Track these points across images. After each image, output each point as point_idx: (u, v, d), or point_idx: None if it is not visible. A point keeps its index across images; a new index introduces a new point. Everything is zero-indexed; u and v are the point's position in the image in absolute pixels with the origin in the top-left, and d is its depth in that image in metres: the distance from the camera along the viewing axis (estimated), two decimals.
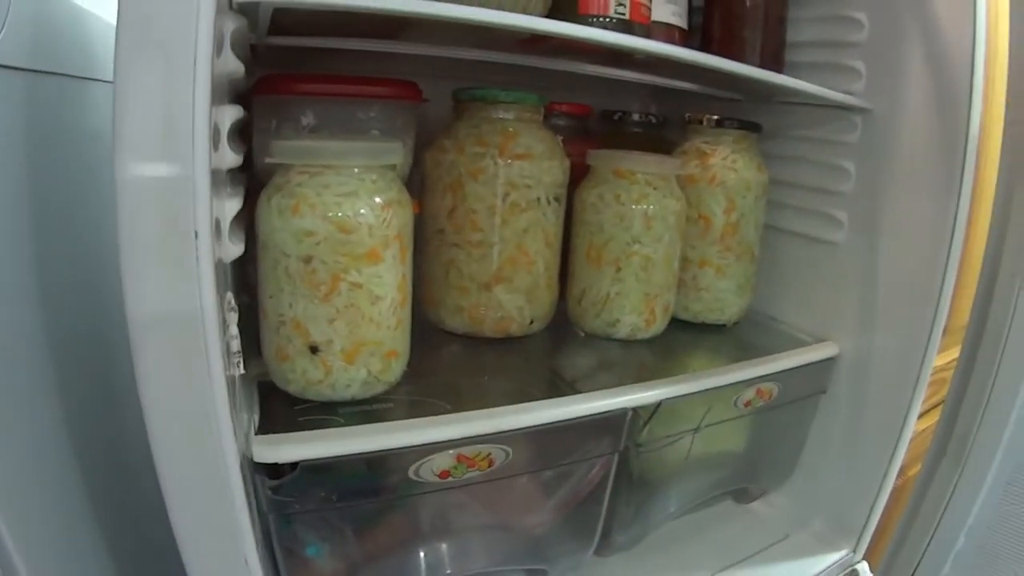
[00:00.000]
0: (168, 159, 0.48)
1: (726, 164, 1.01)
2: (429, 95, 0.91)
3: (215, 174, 0.51)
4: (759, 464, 1.12)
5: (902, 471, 1.08)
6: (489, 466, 0.73)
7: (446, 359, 0.90)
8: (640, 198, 0.91)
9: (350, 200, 0.66)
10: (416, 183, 0.92)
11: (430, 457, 0.69)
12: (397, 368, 0.75)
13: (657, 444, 0.90)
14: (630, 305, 0.95)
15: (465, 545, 0.82)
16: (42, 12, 0.69)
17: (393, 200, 0.69)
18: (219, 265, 0.54)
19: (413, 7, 0.61)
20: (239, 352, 0.58)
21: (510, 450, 0.73)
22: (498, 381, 0.85)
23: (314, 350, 0.69)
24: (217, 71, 0.51)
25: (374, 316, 0.69)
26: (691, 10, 0.96)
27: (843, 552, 1.09)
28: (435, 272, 0.93)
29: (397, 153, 0.70)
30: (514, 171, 0.87)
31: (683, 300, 1.06)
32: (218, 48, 0.52)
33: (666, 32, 0.90)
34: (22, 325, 0.68)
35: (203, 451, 0.54)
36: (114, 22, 0.46)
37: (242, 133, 0.73)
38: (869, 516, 1.07)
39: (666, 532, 1.04)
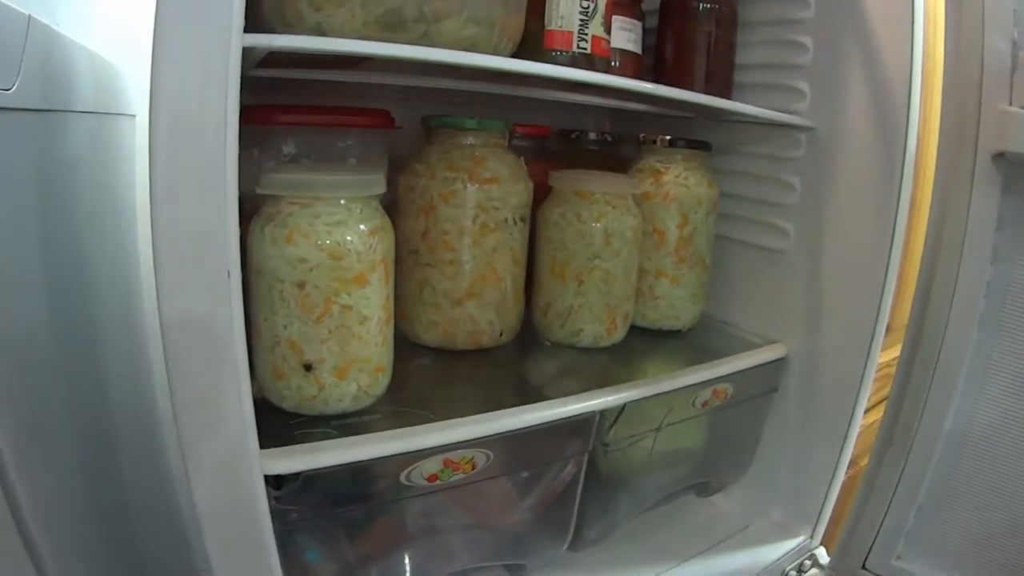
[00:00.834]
0: (203, 208, 0.54)
1: (679, 181, 1.08)
2: (393, 118, 0.96)
3: None
4: (718, 459, 1.17)
5: (854, 462, 1.14)
6: (472, 469, 0.78)
7: (423, 371, 0.95)
8: (600, 216, 0.97)
9: (340, 229, 0.71)
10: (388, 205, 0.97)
11: (420, 463, 0.74)
12: (383, 382, 0.80)
13: (623, 443, 0.96)
14: (592, 316, 1.01)
15: (450, 544, 0.87)
16: (49, 55, 0.73)
17: (378, 227, 0.75)
18: None
19: (408, 53, 0.67)
20: None
21: (491, 453, 0.79)
22: (473, 389, 0.91)
23: (308, 368, 0.73)
24: None
25: (363, 335, 0.75)
26: (643, 31, 1.02)
27: (801, 538, 1.15)
28: (409, 290, 0.97)
29: (381, 185, 0.76)
30: (483, 194, 0.93)
31: (641, 308, 1.11)
32: None
33: (623, 59, 0.96)
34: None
35: (234, 469, 0.60)
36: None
37: None
38: (824, 504, 1.14)
39: (634, 526, 1.10)
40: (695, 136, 1.11)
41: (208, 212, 0.55)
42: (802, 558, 1.14)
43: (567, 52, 0.83)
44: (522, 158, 1.02)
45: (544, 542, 0.96)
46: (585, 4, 0.83)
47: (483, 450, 0.78)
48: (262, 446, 0.65)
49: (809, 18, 1.07)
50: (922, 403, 0.97)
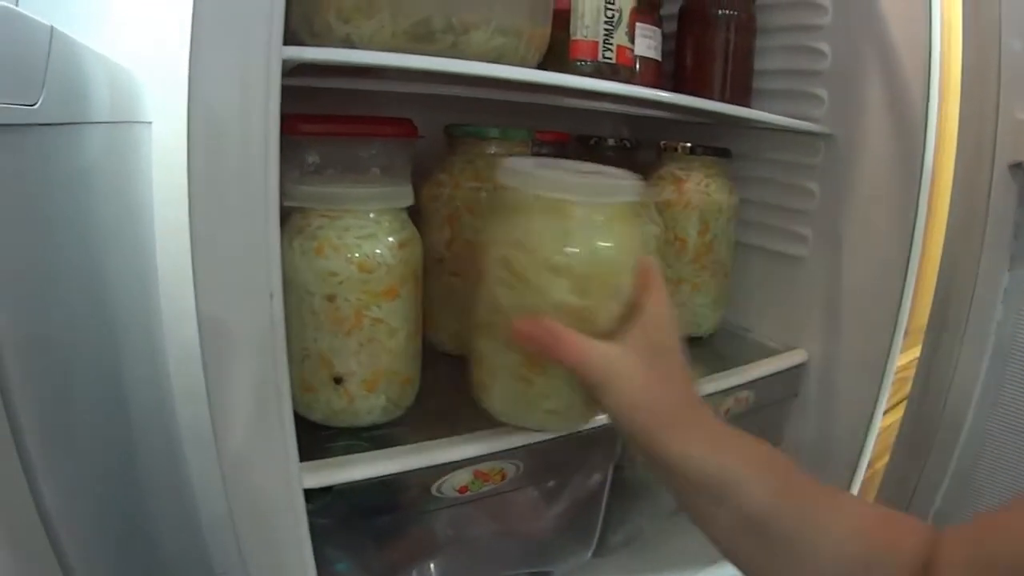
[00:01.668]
0: (243, 226, 0.54)
1: (699, 188, 1.08)
2: (417, 127, 0.95)
3: None
4: None
5: (872, 463, 1.15)
6: (502, 480, 0.79)
7: (449, 381, 0.94)
8: None
9: (369, 242, 0.71)
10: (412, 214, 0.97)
11: (451, 474, 0.75)
12: (411, 393, 0.81)
13: None
14: None
15: (478, 553, 0.88)
16: (69, 66, 0.73)
17: (407, 239, 0.75)
18: None
19: (440, 66, 0.67)
20: None
21: (520, 464, 0.79)
22: None
23: (338, 381, 0.73)
24: None
25: (392, 347, 0.75)
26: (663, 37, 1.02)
27: None
28: (435, 299, 0.96)
29: (410, 196, 0.76)
30: None
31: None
32: None
33: (644, 66, 0.96)
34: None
35: (274, 484, 0.61)
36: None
37: None
38: None
39: (658, 531, 1.10)
40: (713, 141, 1.11)
41: (249, 229, 0.55)
42: None
43: (592, 62, 0.83)
44: None
45: (570, 549, 0.96)
46: (610, 13, 0.83)
47: (512, 461, 0.78)
48: None
49: (827, 24, 1.07)
50: (941, 407, 0.97)
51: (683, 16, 1.09)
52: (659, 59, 1.00)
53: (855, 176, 1.05)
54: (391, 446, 0.73)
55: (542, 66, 0.79)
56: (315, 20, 0.67)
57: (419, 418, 0.81)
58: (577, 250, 0.67)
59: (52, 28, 0.65)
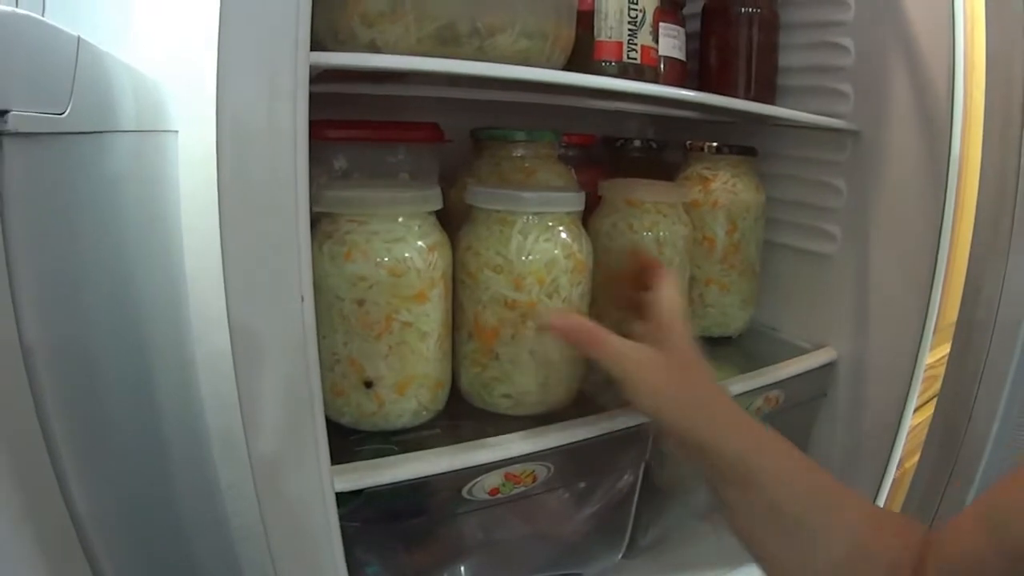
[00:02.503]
0: (274, 232, 0.55)
1: (726, 188, 1.07)
2: (443, 131, 0.96)
3: None
4: None
5: (901, 463, 1.14)
6: (533, 482, 0.79)
7: None
8: (651, 225, 0.96)
9: (399, 246, 0.71)
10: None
11: (482, 477, 0.75)
12: (442, 397, 0.81)
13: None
14: None
15: (509, 554, 0.88)
16: (96, 75, 0.73)
17: (437, 243, 0.75)
18: None
19: (466, 69, 0.67)
20: None
21: (551, 466, 0.79)
22: None
23: (368, 385, 0.74)
24: None
25: (423, 351, 0.75)
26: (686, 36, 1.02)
27: None
28: None
29: (439, 200, 0.76)
30: None
31: (692, 316, 1.10)
32: None
33: (669, 66, 0.96)
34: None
35: (305, 488, 0.62)
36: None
37: None
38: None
39: (686, 532, 1.10)
40: (739, 139, 1.11)
41: (280, 232, 0.55)
42: None
43: (617, 63, 0.83)
44: (569, 167, 1.02)
45: (600, 550, 0.96)
46: (633, 14, 0.83)
47: (543, 463, 0.78)
48: None
49: (850, 20, 1.06)
50: (970, 406, 0.97)
51: (706, 14, 1.09)
52: (683, 59, 1.00)
53: (882, 172, 1.05)
54: (422, 449, 0.73)
55: (567, 67, 0.79)
56: (340, 26, 0.67)
57: (450, 421, 0.82)
58: (512, 253, 0.77)
59: (79, 38, 0.66)
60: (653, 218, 0.96)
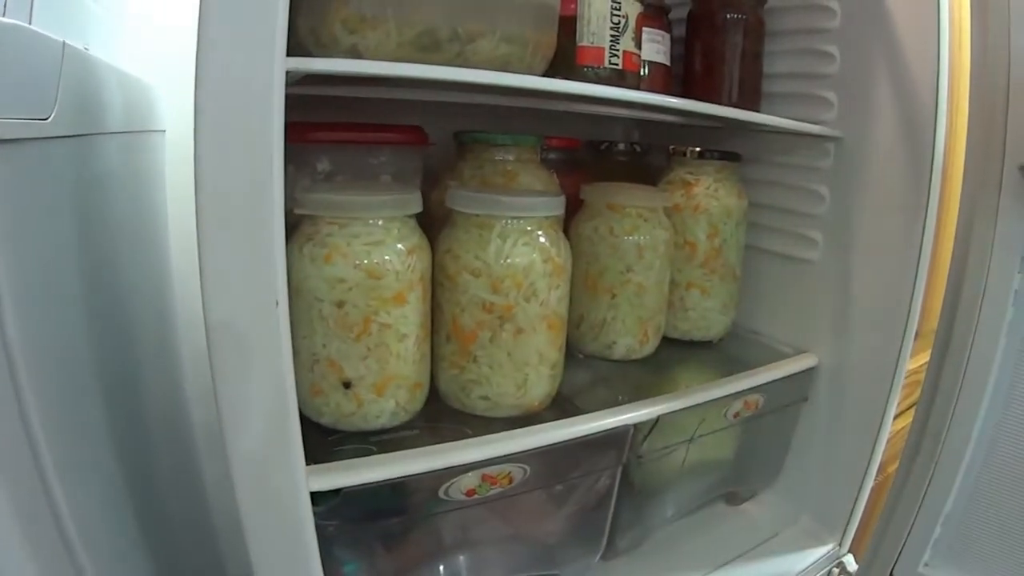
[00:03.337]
0: (249, 234, 0.55)
1: (709, 193, 1.08)
2: (427, 134, 0.96)
3: None
4: (748, 468, 1.18)
5: (882, 468, 1.14)
6: (510, 483, 0.79)
7: None
8: (632, 230, 0.97)
9: (378, 248, 0.72)
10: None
11: (458, 478, 0.75)
12: (420, 398, 0.81)
13: (656, 455, 0.96)
14: (625, 328, 1.01)
15: (486, 556, 0.88)
16: (82, 80, 0.74)
17: (416, 246, 0.76)
18: None
19: (445, 75, 0.67)
20: None
21: (528, 467, 0.80)
22: None
23: (347, 385, 0.75)
24: None
25: (401, 352, 0.76)
26: (671, 41, 1.02)
27: (830, 546, 1.16)
28: None
29: (418, 203, 0.77)
30: None
31: (672, 320, 1.12)
32: None
33: (652, 71, 0.97)
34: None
35: (280, 487, 0.62)
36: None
37: None
38: (852, 512, 1.14)
39: (665, 535, 1.10)
40: (723, 145, 1.12)
41: (255, 237, 0.56)
42: (831, 566, 1.14)
43: (599, 68, 0.84)
44: (552, 171, 1.03)
45: (578, 552, 0.96)
46: (616, 20, 0.84)
47: (520, 464, 0.79)
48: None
49: (835, 28, 1.07)
50: (950, 412, 0.97)
51: (692, 20, 1.10)
52: (668, 64, 1.00)
53: (865, 179, 1.05)
54: (399, 449, 0.74)
55: (549, 72, 0.79)
56: (322, 31, 0.67)
57: (428, 422, 0.82)
58: (491, 256, 0.79)
59: (64, 43, 0.66)
60: (634, 222, 0.97)
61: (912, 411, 1.04)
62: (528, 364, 0.82)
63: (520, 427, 0.81)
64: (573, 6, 0.83)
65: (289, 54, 0.56)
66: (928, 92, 0.97)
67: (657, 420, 0.90)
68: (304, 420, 0.76)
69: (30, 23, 0.65)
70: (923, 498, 1.02)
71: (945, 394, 0.98)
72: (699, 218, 1.08)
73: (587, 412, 0.86)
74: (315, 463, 0.68)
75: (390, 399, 0.77)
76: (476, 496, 0.78)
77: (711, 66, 1.07)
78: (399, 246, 0.74)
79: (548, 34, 0.78)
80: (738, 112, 0.97)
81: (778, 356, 1.12)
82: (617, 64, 0.85)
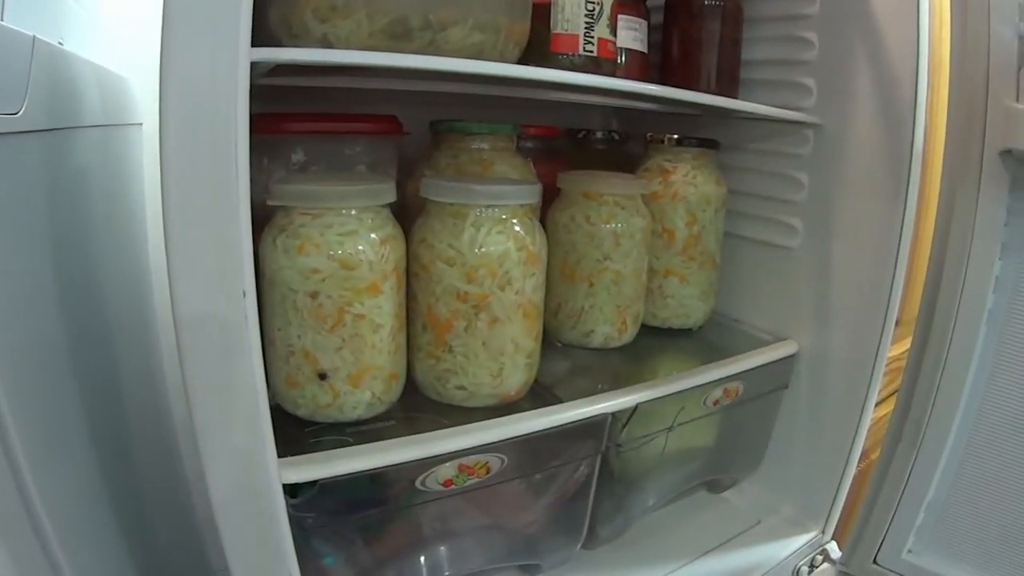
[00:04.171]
0: (216, 223, 0.55)
1: (687, 180, 1.08)
2: (402, 124, 0.96)
3: None
4: (730, 456, 1.18)
5: (865, 456, 1.15)
6: (487, 473, 0.79)
7: None
8: (609, 218, 0.97)
9: (351, 239, 0.72)
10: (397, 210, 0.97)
11: (435, 468, 0.75)
12: (397, 388, 0.81)
13: (635, 443, 0.96)
14: (603, 317, 1.01)
15: (465, 546, 0.88)
16: (55, 74, 0.73)
17: (389, 236, 0.75)
18: None
19: (415, 63, 0.67)
20: None
21: (505, 457, 0.80)
22: None
23: (323, 377, 0.74)
24: None
25: (376, 343, 0.75)
26: (649, 28, 1.01)
27: (813, 533, 1.16)
28: None
29: (392, 193, 0.76)
30: None
31: (651, 308, 1.12)
32: None
33: (628, 58, 0.96)
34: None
35: (252, 479, 0.62)
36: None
37: None
38: (835, 499, 1.14)
39: (647, 523, 1.10)
40: (702, 132, 1.12)
41: (221, 228, 0.56)
42: (814, 553, 1.14)
43: (573, 56, 0.84)
44: (529, 160, 1.03)
45: (558, 542, 0.96)
46: (590, 6, 0.83)
47: (497, 454, 0.79)
48: (278, 455, 0.65)
49: (815, 14, 1.06)
50: (932, 399, 0.97)
51: (669, 7, 1.09)
52: (645, 51, 1.00)
53: (844, 166, 1.05)
54: (376, 440, 0.74)
55: (523, 60, 0.79)
56: (293, 21, 0.67)
57: (405, 412, 0.82)
58: (465, 245, 0.78)
59: (34, 37, 0.66)
60: (611, 210, 0.97)
61: (894, 398, 1.04)
62: (504, 353, 0.82)
63: (497, 416, 0.81)
64: None
65: (261, 44, 0.55)
66: (908, 78, 0.97)
67: (636, 408, 0.90)
68: (281, 412, 0.77)
69: (1, 19, 0.64)
70: (905, 485, 1.02)
71: (926, 381, 0.98)
72: (677, 206, 1.08)
73: (565, 401, 0.86)
74: (291, 455, 0.68)
75: (366, 390, 0.76)
76: (453, 486, 0.77)
77: (689, 53, 1.07)
78: (372, 236, 0.73)
79: (521, 22, 0.78)
80: (716, 99, 0.97)
81: (758, 343, 1.12)
82: (592, 51, 0.84)
